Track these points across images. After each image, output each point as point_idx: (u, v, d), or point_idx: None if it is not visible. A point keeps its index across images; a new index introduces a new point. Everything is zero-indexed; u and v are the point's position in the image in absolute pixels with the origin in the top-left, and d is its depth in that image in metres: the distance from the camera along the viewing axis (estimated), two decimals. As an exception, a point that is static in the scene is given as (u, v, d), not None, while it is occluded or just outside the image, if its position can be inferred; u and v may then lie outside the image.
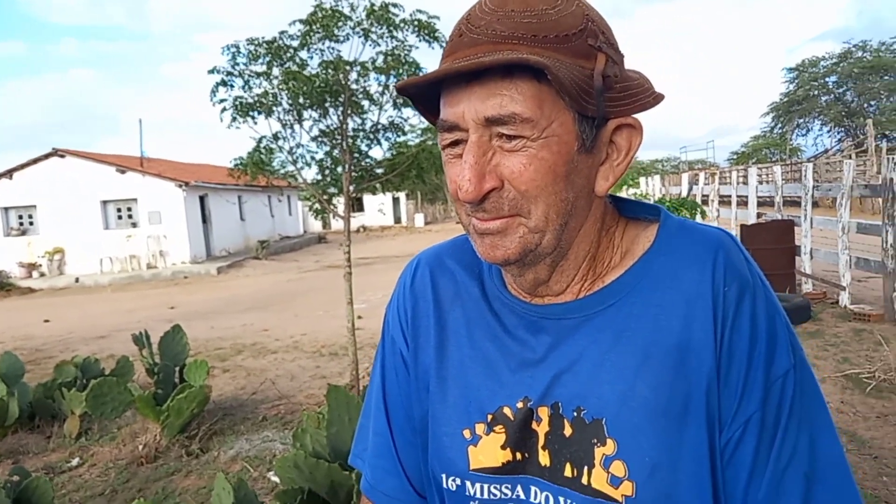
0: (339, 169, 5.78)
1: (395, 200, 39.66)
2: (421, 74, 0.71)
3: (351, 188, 5.65)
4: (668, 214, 0.77)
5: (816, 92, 41.45)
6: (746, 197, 10.63)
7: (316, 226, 36.64)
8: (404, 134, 6.12)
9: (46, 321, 11.78)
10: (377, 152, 6.12)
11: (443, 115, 0.69)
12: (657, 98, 0.70)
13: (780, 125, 44.20)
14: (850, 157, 24.57)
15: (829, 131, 41.33)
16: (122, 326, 10.32)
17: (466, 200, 0.66)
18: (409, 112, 5.86)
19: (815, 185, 8.78)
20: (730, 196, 12.06)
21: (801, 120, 42.73)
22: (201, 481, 4.16)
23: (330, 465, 2.88)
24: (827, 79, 41.03)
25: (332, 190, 6.27)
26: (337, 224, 33.46)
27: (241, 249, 24.03)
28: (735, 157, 45.37)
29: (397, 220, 40.38)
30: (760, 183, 12.16)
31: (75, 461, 4.65)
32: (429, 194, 42.43)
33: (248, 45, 5.18)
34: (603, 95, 0.66)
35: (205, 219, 22.19)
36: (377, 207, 38.59)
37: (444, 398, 0.80)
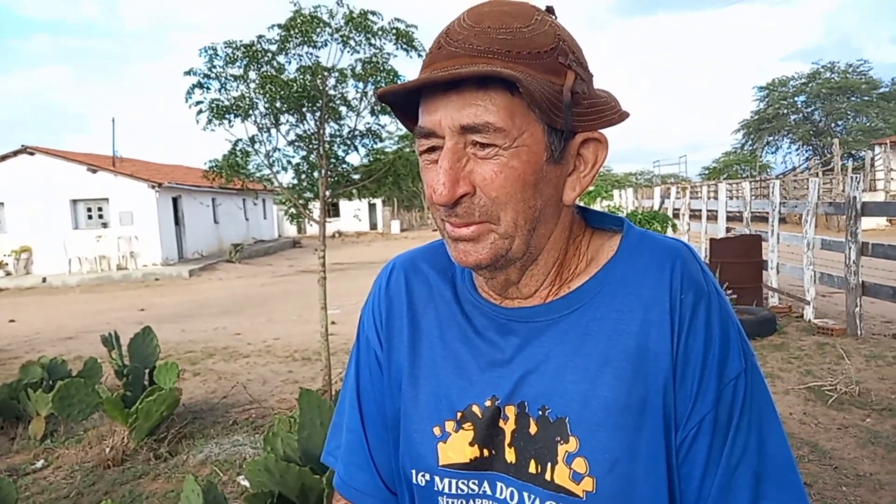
0: (316, 174, 5.79)
1: (372, 207, 39.61)
2: (401, 83, 0.75)
3: (327, 193, 5.66)
4: (631, 225, 0.82)
5: (786, 111, 42.47)
6: (716, 211, 10.84)
7: (291, 230, 36.44)
8: (381, 141, 6.15)
9: (12, 321, 11.53)
10: (354, 158, 6.13)
11: (421, 122, 0.72)
12: (622, 115, 0.75)
13: (750, 142, 45.14)
14: (817, 176, 25.19)
15: (797, 149, 42.37)
16: (91, 328, 10.15)
17: (440, 203, 0.70)
18: (386, 119, 5.89)
19: (781, 202, 9.00)
20: (700, 210, 12.29)
21: (771, 137, 43.72)
22: (169, 485, 4.12)
23: (301, 468, 2.88)
24: (796, 98, 42.08)
25: (308, 195, 6.26)
26: (312, 229, 33.32)
27: (215, 252, 23.77)
28: (707, 172, 46.16)
29: (373, 226, 40.32)
30: (730, 198, 12.41)
31: (40, 463, 4.57)
32: (405, 201, 42.45)
33: (225, 47, 5.17)
34: (571, 110, 0.70)
35: (177, 220, 21.92)
36: (353, 213, 38.57)
37: (416, 396, 0.84)
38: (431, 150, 0.72)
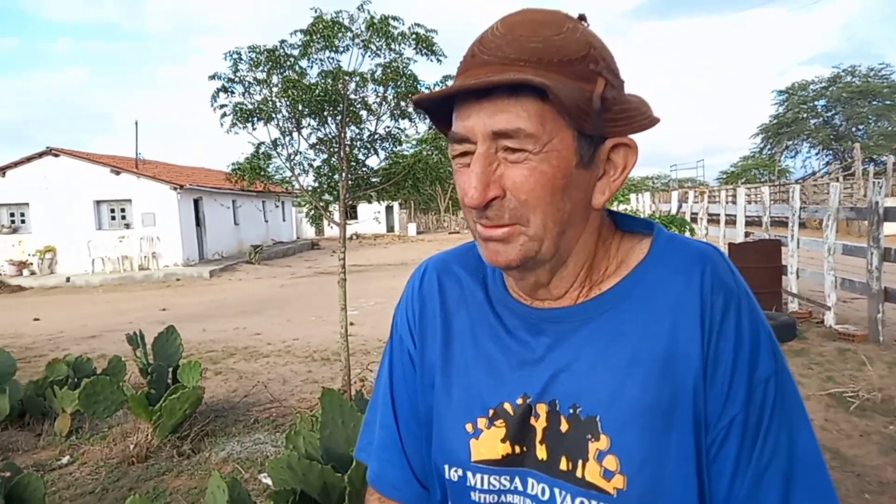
0: (336, 177, 5.86)
1: (389, 209, 39.75)
2: (437, 90, 0.77)
3: (347, 196, 5.73)
4: (661, 229, 0.83)
5: (805, 115, 42.01)
6: (735, 216, 10.77)
7: (309, 232, 36.72)
8: (400, 144, 6.21)
9: (36, 320, 11.74)
10: (373, 161, 6.22)
11: (454, 127, 0.75)
12: (653, 121, 0.77)
13: (769, 146, 44.69)
14: (838, 180, 24.88)
15: (817, 154, 41.84)
16: (113, 327, 10.32)
17: (471, 206, 0.73)
18: (405, 123, 5.96)
19: (802, 207, 8.92)
20: (718, 215, 12.22)
21: (790, 142, 43.26)
22: (192, 482, 4.20)
23: (323, 466, 2.93)
24: (816, 102, 41.60)
25: (328, 197, 6.34)
26: (330, 231, 33.55)
27: (235, 253, 24.01)
28: (724, 176, 45.79)
29: (390, 228, 40.46)
30: (749, 203, 12.31)
31: (65, 459, 4.66)
32: (422, 204, 42.56)
33: (249, 52, 5.26)
34: (601, 116, 0.73)
35: (198, 222, 22.17)
36: (372, 216, 38.82)
37: (449, 394, 0.86)
38: (464, 154, 0.75)
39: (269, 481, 3.86)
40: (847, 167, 29.63)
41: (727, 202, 12.98)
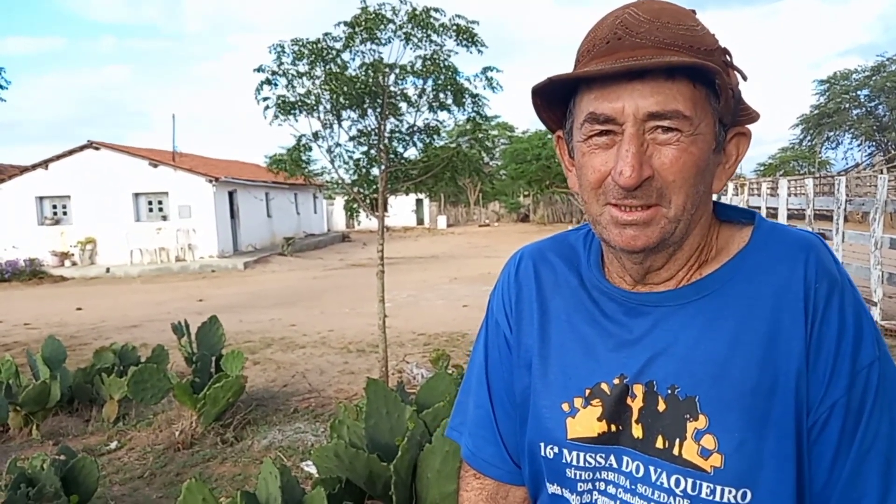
0: (375, 169, 5.89)
1: (419, 202, 39.79)
2: (564, 73, 0.76)
3: (386, 187, 5.75)
4: (762, 218, 0.86)
5: (848, 105, 40.81)
6: (776, 209, 10.55)
7: (340, 224, 36.94)
8: (438, 135, 6.22)
9: (79, 309, 12.03)
10: (410, 153, 6.25)
11: (594, 108, 0.75)
12: (757, 115, 0.81)
13: (809, 137, 43.60)
14: (882, 172, 24.19)
15: (859, 145, 40.69)
16: (153, 317, 10.54)
17: (626, 186, 0.74)
18: (443, 115, 5.96)
19: (848, 199, 8.70)
20: (759, 207, 11.98)
21: (832, 133, 42.10)
22: (236, 468, 4.28)
23: (369, 455, 2.96)
24: (859, 92, 40.37)
25: (364, 190, 6.37)
26: (361, 224, 33.71)
27: (268, 245, 24.31)
28: (762, 168, 44.90)
29: (420, 221, 40.52)
30: (790, 195, 12.06)
31: (113, 444, 4.79)
32: (451, 197, 42.51)
33: (292, 45, 5.31)
34: (738, 106, 0.77)
35: (233, 214, 22.49)
36: (411, 208, 39.01)
37: (546, 375, 0.89)
38: (602, 134, 0.76)
39: (312, 469, 3.91)
40: (891, 159, 28.82)
41: (768, 195, 12.72)
